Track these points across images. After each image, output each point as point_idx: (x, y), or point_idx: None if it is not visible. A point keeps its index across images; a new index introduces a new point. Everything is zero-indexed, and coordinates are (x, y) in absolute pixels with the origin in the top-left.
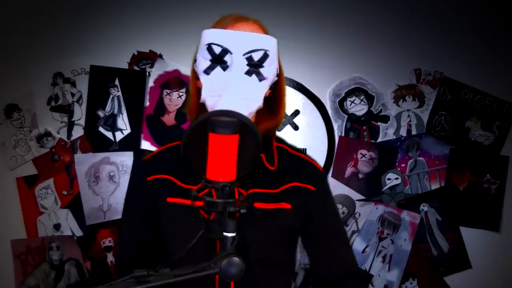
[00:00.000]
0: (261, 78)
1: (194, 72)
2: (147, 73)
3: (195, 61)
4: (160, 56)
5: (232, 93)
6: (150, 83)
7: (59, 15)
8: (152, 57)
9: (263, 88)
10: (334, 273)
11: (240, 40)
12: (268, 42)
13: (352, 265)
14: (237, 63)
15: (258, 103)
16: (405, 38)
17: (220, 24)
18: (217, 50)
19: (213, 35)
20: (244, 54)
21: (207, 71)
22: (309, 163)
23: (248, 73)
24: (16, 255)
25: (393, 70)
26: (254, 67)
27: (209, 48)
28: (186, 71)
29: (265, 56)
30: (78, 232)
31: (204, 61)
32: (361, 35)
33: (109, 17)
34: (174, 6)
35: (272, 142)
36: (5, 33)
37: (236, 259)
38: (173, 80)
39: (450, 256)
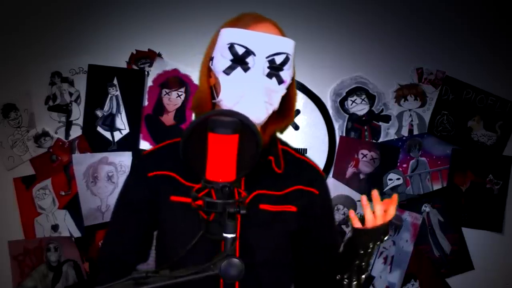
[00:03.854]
0: (280, 81)
1: (207, 69)
2: (146, 73)
3: (211, 58)
4: (159, 55)
5: (253, 95)
6: (149, 82)
7: (57, 14)
8: (151, 56)
9: (282, 91)
10: (320, 276)
11: (264, 43)
12: (289, 45)
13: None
14: (259, 65)
15: (275, 106)
16: (406, 37)
17: (241, 23)
18: (240, 50)
19: (235, 35)
20: (267, 57)
21: (227, 71)
22: (313, 167)
23: (269, 75)
24: (14, 256)
25: (394, 70)
26: (275, 70)
27: (231, 47)
28: (185, 70)
29: (286, 60)
30: (76, 233)
31: (223, 60)
32: (362, 35)
33: (108, 16)
34: (174, 5)
35: (277, 144)
36: (3, 32)
37: (236, 260)
38: (172, 80)
39: (452, 257)
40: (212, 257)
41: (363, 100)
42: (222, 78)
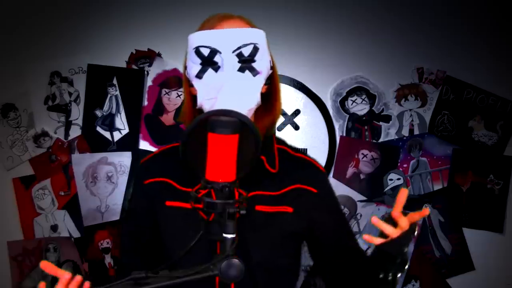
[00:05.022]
0: (255, 73)
1: (187, 80)
2: (146, 72)
3: (185, 68)
4: (159, 54)
5: (228, 92)
6: (149, 82)
7: (57, 14)
8: (150, 56)
9: (259, 82)
10: (349, 270)
11: (227, 38)
12: (255, 35)
13: (363, 256)
14: (228, 61)
15: (256, 99)
16: (406, 37)
17: (205, 26)
18: (206, 52)
19: (199, 38)
20: (233, 51)
21: (199, 75)
22: (311, 164)
23: (241, 69)
24: (13, 256)
25: (395, 69)
26: (246, 62)
27: (197, 51)
28: None
29: (256, 50)
30: (76, 234)
31: (194, 65)
32: (362, 34)
33: (107, 16)
34: (173, 4)
35: (273, 143)
36: (3, 32)
37: (235, 260)
38: (172, 79)
39: (453, 258)
40: (209, 259)
41: (363, 100)
42: (196, 83)
